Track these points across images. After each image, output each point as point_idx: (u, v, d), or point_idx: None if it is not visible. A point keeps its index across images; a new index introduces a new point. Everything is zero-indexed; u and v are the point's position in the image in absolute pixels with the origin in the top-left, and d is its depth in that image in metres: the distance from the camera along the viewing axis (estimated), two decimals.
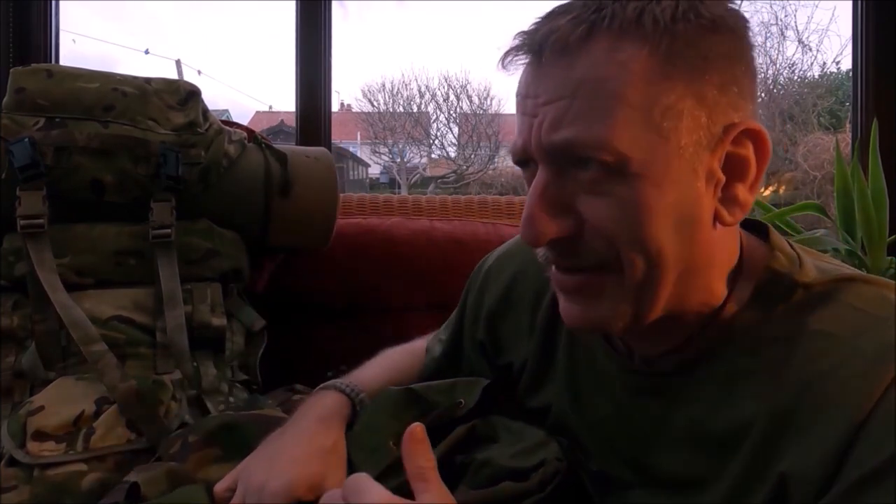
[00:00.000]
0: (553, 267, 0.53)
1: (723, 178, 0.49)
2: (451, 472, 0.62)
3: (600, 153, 0.46)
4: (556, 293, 0.54)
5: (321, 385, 0.73)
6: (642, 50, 0.46)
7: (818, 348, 0.47)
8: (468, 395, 0.69)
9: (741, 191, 0.50)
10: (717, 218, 0.50)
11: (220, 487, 0.62)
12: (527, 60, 0.50)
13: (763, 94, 5.79)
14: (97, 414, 0.76)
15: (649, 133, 0.46)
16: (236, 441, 0.68)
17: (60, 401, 0.77)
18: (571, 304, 0.53)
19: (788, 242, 0.55)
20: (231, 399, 0.89)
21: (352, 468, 0.63)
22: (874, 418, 0.43)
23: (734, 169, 0.49)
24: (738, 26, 0.49)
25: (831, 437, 0.44)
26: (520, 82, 0.52)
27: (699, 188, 0.48)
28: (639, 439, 0.57)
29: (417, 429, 0.45)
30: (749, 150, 0.49)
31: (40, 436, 0.73)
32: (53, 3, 1.61)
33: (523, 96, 0.51)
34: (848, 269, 0.53)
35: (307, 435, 0.65)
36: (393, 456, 0.62)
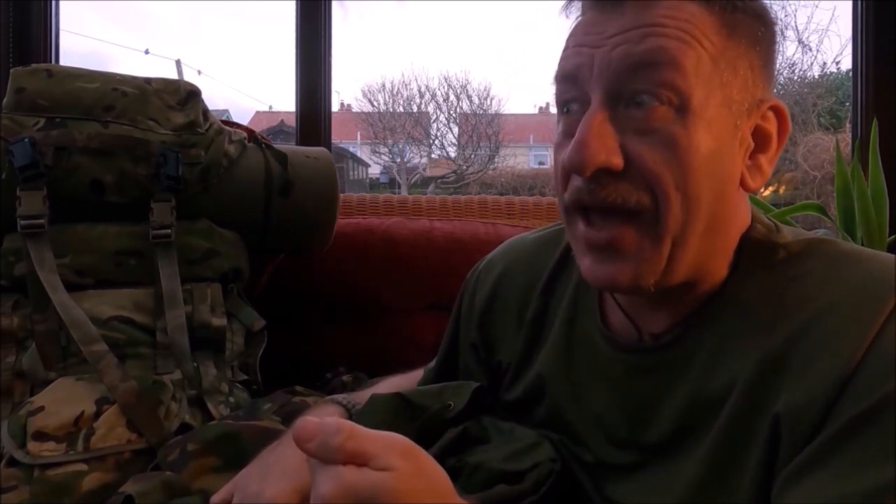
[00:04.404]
0: (580, 224, 0.53)
1: (752, 145, 0.53)
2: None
3: (666, 83, 0.48)
4: (581, 255, 0.55)
5: (319, 400, 0.74)
6: (713, 7, 0.51)
7: (807, 295, 0.49)
8: (457, 397, 0.68)
9: (764, 161, 0.54)
10: (741, 181, 0.53)
11: (216, 499, 0.63)
12: (592, 5, 0.53)
13: None
14: (97, 414, 0.76)
15: (712, 77, 0.50)
16: (235, 451, 0.69)
17: (61, 401, 0.77)
18: (600, 262, 0.53)
19: (766, 216, 0.58)
20: (231, 399, 0.89)
21: None
22: (871, 354, 0.44)
23: (759, 140, 0.53)
24: (774, 22, 0.55)
25: (826, 375, 0.44)
26: (578, 24, 0.54)
27: (735, 146, 0.51)
28: (637, 419, 0.57)
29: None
30: (773, 126, 0.54)
31: (40, 436, 0.73)
32: (53, 3, 1.61)
33: (584, 33, 0.52)
34: (825, 236, 0.56)
35: (277, 466, 0.65)
36: None
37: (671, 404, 0.55)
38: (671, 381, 0.55)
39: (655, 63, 0.49)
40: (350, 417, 0.70)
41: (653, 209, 0.50)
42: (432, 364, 0.81)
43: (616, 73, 0.49)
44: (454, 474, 0.61)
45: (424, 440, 0.65)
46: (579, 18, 0.55)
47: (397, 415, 0.67)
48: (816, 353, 0.46)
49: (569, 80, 0.53)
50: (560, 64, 0.54)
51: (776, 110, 0.54)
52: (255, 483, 0.62)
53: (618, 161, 0.49)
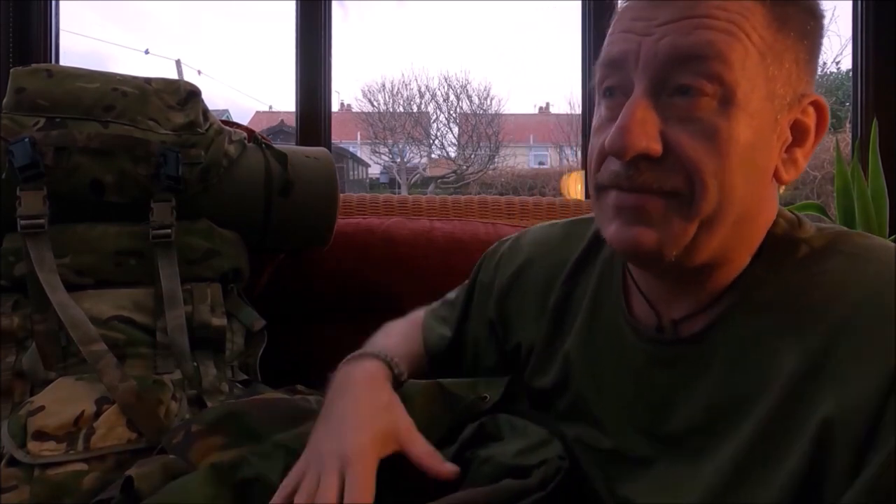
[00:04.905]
0: (612, 193, 0.54)
1: (790, 138, 0.53)
2: (461, 469, 0.62)
3: (712, 75, 0.49)
4: (608, 222, 0.55)
5: (349, 356, 0.72)
6: (764, 1, 0.51)
7: (835, 293, 0.49)
8: (491, 390, 0.69)
9: (799, 155, 0.54)
10: (775, 173, 0.53)
11: (288, 485, 0.58)
12: None
13: None
14: (97, 414, 0.76)
15: (758, 70, 0.50)
16: (241, 428, 0.67)
17: (61, 401, 0.77)
18: (626, 225, 0.53)
19: (788, 209, 0.59)
20: (232, 399, 0.89)
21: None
22: None
23: (797, 134, 0.54)
24: (822, 15, 0.55)
25: (873, 377, 0.44)
26: (626, 9, 0.54)
27: (773, 139, 0.52)
28: (657, 410, 0.58)
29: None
30: (812, 121, 0.54)
31: (41, 436, 0.73)
32: (53, 3, 1.61)
33: (632, 19, 0.53)
34: (843, 227, 0.57)
35: (361, 398, 0.64)
36: None
37: (692, 399, 0.55)
38: (693, 375, 0.56)
39: (703, 56, 0.49)
40: (392, 374, 0.69)
41: (688, 194, 0.51)
42: (445, 332, 0.81)
43: (662, 64, 0.50)
44: (465, 466, 0.62)
45: (456, 432, 0.65)
46: (627, 2, 0.55)
47: (435, 402, 0.68)
48: (859, 354, 0.46)
49: (614, 65, 0.54)
50: (606, 48, 0.55)
51: (816, 105, 0.54)
52: (329, 443, 0.60)
53: (657, 148, 0.50)
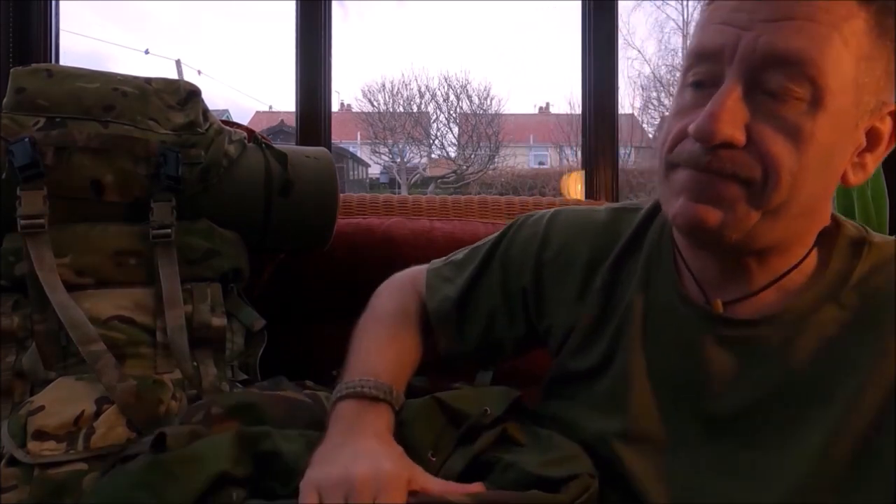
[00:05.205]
0: (683, 171, 0.56)
1: (863, 143, 0.55)
2: (475, 469, 0.62)
3: (805, 80, 0.50)
4: (674, 198, 0.57)
5: (350, 389, 0.68)
6: (870, 8, 0.52)
7: None
8: (495, 404, 0.68)
9: (869, 160, 0.57)
10: (843, 176, 0.55)
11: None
12: None
13: None
14: (97, 413, 0.76)
15: (850, 77, 0.51)
16: (254, 419, 0.68)
17: (61, 400, 0.77)
18: (693, 201, 0.55)
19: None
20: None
21: None
22: None
23: (871, 140, 0.56)
24: None
25: None
26: (726, 2, 0.55)
27: (848, 144, 0.54)
28: (710, 388, 0.59)
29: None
30: (888, 129, 0.56)
31: (41, 435, 0.73)
32: (53, 2, 1.61)
33: (734, 10, 0.53)
34: None
35: (375, 453, 0.61)
36: (434, 467, 0.62)
37: (746, 381, 0.57)
38: (750, 357, 0.58)
39: (799, 62, 0.50)
40: (394, 410, 0.68)
41: (761, 184, 0.53)
42: (451, 293, 0.80)
43: (758, 62, 0.52)
44: (487, 468, 0.62)
45: (460, 439, 0.65)
46: None
47: (437, 419, 0.67)
48: None
49: (706, 56, 0.55)
50: (699, 37, 0.56)
51: (894, 115, 0.56)
52: (359, 467, 0.57)
53: (742, 138, 0.52)
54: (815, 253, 0.59)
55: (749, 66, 0.52)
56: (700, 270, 0.63)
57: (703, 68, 0.55)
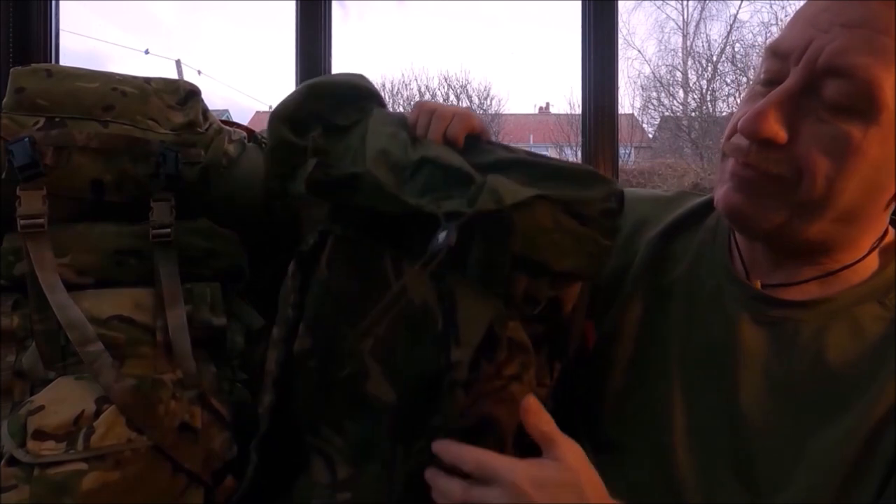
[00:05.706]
0: (734, 161, 0.59)
1: None
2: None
3: (863, 96, 0.51)
4: (722, 183, 0.60)
5: None
6: None
7: None
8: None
9: None
10: (894, 195, 0.56)
11: None
12: None
13: None
14: (97, 413, 0.76)
15: None
16: None
17: (60, 400, 0.77)
18: (735, 190, 0.58)
19: None
20: (232, 398, 0.89)
21: None
22: None
23: None
24: None
25: None
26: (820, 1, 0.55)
27: None
28: (740, 375, 0.60)
29: (531, 400, 0.52)
30: None
31: (40, 435, 0.73)
32: (53, 3, 1.61)
33: (823, 10, 0.54)
34: None
35: None
36: None
37: (781, 364, 0.58)
38: (788, 339, 0.59)
39: (858, 78, 0.51)
40: None
41: (792, 183, 0.54)
42: None
43: (820, 69, 0.52)
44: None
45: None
46: None
47: None
48: None
49: (778, 55, 0.56)
50: (781, 34, 0.57)
51: None
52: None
53: (783, 136, 0.54)
54: (874, 261, 0.60)
55: (810, 70, 0.53)
56: (747, 252, 0.65)
57: (775, 66, 0.57)
